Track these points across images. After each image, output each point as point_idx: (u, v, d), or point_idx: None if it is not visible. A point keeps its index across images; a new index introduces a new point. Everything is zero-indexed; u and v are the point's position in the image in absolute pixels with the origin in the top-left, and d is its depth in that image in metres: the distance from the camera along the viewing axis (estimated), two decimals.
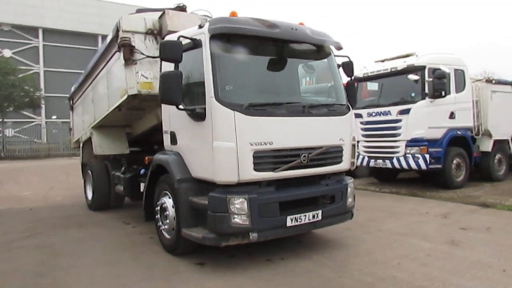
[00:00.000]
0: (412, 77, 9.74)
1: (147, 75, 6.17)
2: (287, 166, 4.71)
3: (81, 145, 8.94)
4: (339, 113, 5.31)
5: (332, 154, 5.16)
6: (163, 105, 5.46)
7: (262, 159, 4.55)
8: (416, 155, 9.67)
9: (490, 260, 4.97)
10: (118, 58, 6.42)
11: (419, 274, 4.54)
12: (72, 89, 9.21)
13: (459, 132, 10.18)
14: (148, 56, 6.19)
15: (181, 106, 4.67)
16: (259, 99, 4.74)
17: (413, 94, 9.92)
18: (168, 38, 5.15)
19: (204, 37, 4.62)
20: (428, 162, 9.59)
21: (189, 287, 4.29)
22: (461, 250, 5.37)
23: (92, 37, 39.24)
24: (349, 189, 5.41)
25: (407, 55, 10.46)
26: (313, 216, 4.95)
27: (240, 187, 4.53)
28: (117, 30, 6.23)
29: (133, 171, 7.02)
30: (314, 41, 5.14)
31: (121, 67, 6.23)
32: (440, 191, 9.81)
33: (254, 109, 4.54)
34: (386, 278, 4.43)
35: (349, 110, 5.46)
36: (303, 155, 4.82)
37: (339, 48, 5.44)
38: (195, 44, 4.69)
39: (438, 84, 9.59)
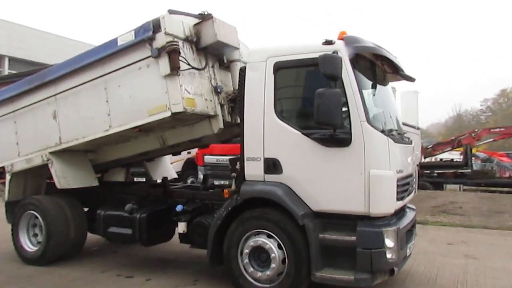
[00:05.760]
0: None
1: (189, 90, 5.11)
2: (407, 193, 4.63)
3: (8, 177, 6.45)
4: (411, 142, 5.50)
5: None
6: (250, 127, 4.62)
7: (399, 188, 4.36)
8: None
9: None
10: (147, 66, 5.10)
11: None
12: None
13: None
14: (194, 68, 5.18)
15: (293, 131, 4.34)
16: (384, 124, 4.54)
17: None
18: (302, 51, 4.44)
19: (340, 56, 4.19)
20: None
21: None
22: None
23: None
24: None
25: None
26: (412, 244, 4.95)
27: (379, 220, 4.19)
28: (153, 31, 4.97)
29: (147, 207, 5.53)
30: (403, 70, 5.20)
31: (158, 77, 4.99)
32: None
33: (391, 135, 4.36)
34: None
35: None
36: (409, 182, 4.82)
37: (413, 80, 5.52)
38: None
39: None
